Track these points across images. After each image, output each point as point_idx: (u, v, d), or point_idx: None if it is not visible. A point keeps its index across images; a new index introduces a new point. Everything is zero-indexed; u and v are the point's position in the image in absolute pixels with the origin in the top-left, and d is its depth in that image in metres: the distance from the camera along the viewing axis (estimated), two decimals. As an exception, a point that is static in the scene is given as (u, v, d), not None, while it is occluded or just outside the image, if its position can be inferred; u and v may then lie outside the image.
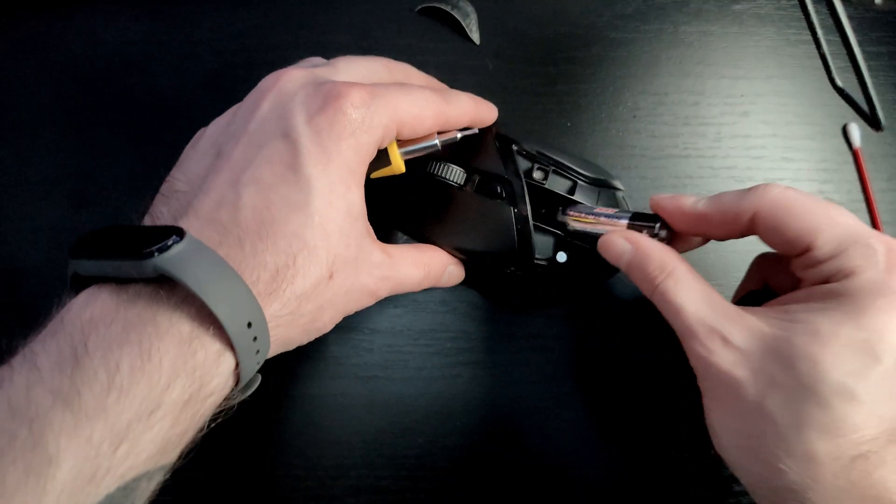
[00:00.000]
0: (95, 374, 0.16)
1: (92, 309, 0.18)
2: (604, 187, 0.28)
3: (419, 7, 0.35)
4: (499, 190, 0.26)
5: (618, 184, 0.28)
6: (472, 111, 0.26)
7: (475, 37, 0.34)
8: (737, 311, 0.21)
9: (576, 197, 0.27)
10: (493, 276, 0.30)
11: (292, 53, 0.27)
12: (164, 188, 0.23)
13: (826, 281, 0.20)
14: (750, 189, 0.22)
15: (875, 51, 0.34)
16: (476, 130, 0.27)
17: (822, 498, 0.19)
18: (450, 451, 0.29)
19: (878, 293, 0.19)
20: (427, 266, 0.26)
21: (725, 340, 0.20)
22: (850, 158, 0.33)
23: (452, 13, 0.34)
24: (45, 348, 0.17)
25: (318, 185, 0.21)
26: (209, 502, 0.29)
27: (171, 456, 0.18)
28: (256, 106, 0.22)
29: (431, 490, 0.29)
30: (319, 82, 0.22)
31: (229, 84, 0.34)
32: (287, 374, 0.30)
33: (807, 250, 0.21)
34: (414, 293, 0.31)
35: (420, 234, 0.27)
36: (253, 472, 0.29)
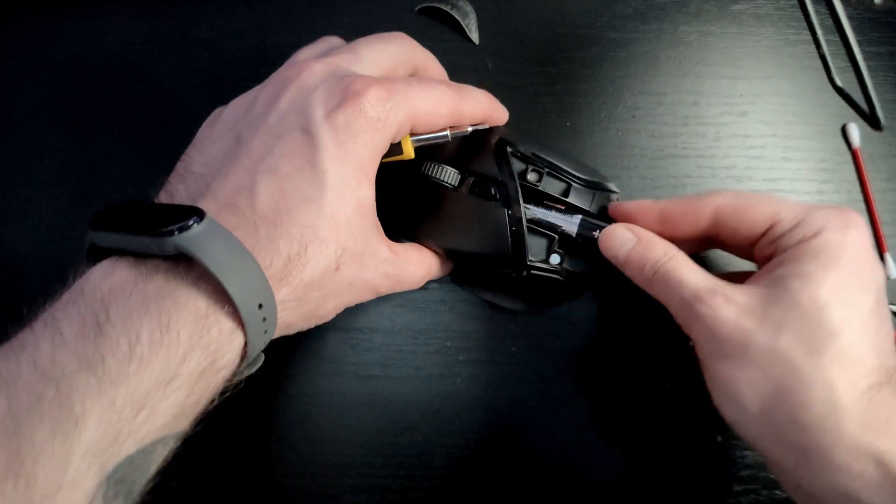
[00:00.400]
0: (118, 342, 0.17)
1: (111, 280, 0.18)
2: (598, 190, 0.28)
3: (419, 7, 0.35)
4: (493, 191, 0.26)
5: (612, 186, 0.28)
6: (485, 109, 0.27)
7: (475, 37, 0.34)
8: (730, 282, 0.23)
9: (570, 199, 0.27)
10: (488, 277, 0.30)
11: (292, 53, 0.27)
12: (179, 167, 0.23)
13: (796, 244, 0.22)
14: (709, 191, 0.25)
15: (874, 51, 0.34)
16: (486, 127, 0.27)
17: (850, 430, 0.19)
18: (449, 449, 0.29)
19: (845, 244, 0.21)
20: (429, 265, 0.27)
21: (728, 299, 0.22)
22: (849, 158, 0.33)
23: (452, 13, 0.34)
24: (67, 315, 0.17)
25: (333, 180, 0.22)
26: (209, 501, 0.29)
27: (184, 423, 0.19)
28: (277, 97, 0.23)
29: (430, 489, 0.29)
30: (340, 76, 0.23)
31: (229, 84, 0.34)
32: (286, 372, 0.30)
33: (771, 227, 0.23)
34: (412, 292, 0.31)
35: (413, 235, 0.27)
36: (252, 470, 0.29)
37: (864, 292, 0.21)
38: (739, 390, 0.21)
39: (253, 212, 0.21)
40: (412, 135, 0.25)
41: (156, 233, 0.18)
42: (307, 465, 0.29)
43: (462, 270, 0.30)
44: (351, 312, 0.31)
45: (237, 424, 0.29)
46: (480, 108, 0.26)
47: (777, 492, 0.28)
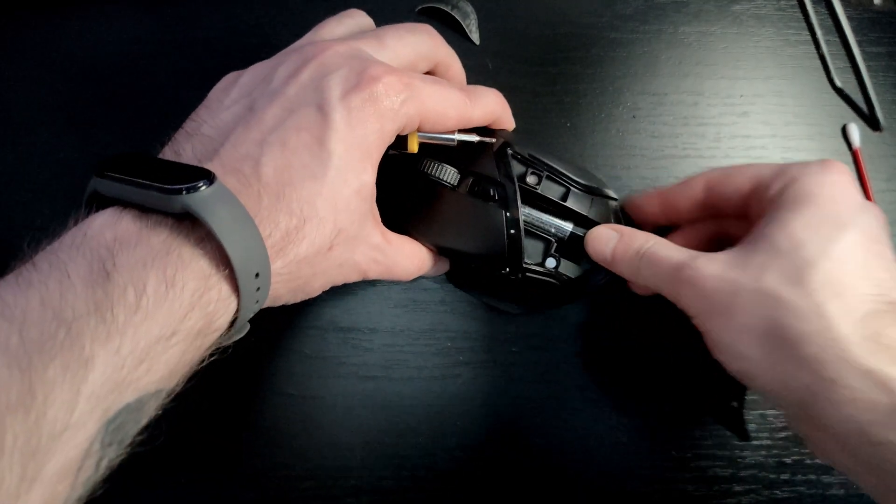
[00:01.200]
0: (125, 291, 0.17)
1: (115, 230, 0.18)
2: (597, 195, 0.28)
3: (419, 7, 0.35)
4: (491, 192, 0.26)
5: (611, 192, 0.28)
6: (494, 114, 0.27)
7: (475, 37, 0.34)
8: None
9: (568, 204, 0.27)
10: (484, 278, 0.30)
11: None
12: (189, 126, 0.23)
13: (774, 197, 0.23)
14: (700, 173, 0.27)
15: (874, 51, 0.34)
16: (493, 140, 0.27)
17: (849, 356, 0.19)
18: (450, 450, 0.29)
19: (821, 185, 0.22)
20: (422, 260, 0.27)
21: (710, 258, 0.23)
22: (849, 159, 0.33)
23: (452, 13, 0.34)
24: (72, 259, 0.17)
25: (338, 161, 0.22)
26: (210, 502, 0.29)
27: (175, 380, 0.19)
28: (298, 71, 0.23)
29: (432, 490, 0.29)
30: (362, 59, 0.23)
31: (229, 84, 0.34)
32: (287, 373, 0.30)
33: (755, 188, 0.24)
34: (413, 292, 0.31)
35: (410, 233, 0.27)
36: (253, 472, 0.29)
37: (842, 227, 0.21)
38: (737, 338, 0.21)
39: (258, 180, 0.21)
40: (420, 131, 0.25)
41: (164, 189, 0.18)
42: (308, 467, 0.29)
43: (458, 271, 0.30)
44: (351, 313, 0.31)
45: (237, 425, 0.29)
46: (490, 113, 0.27)
47: (777, 492, 0.28)
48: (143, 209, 0.19)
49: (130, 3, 0.35)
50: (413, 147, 0.26)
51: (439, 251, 0.28)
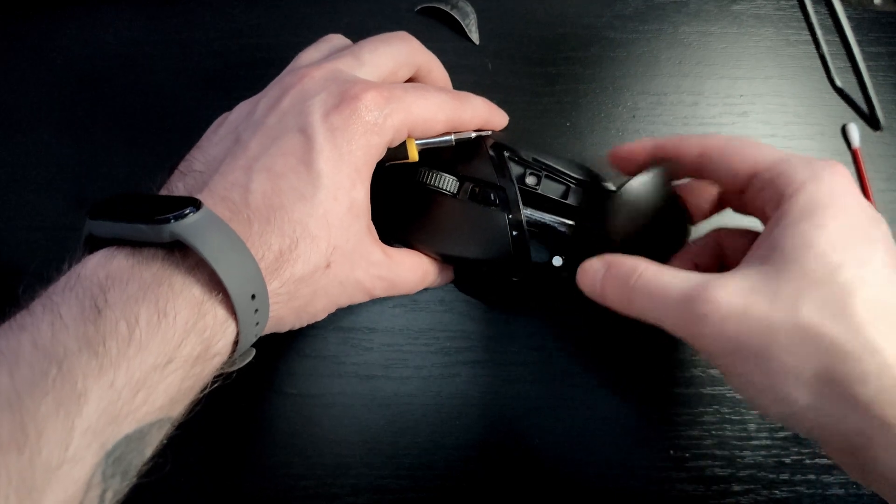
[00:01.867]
0: (117, 325, 0.17)
1: (108, 268, 0.18)
2: (597, 189, 0.28)
3: (419, 7, 0.35)
4: (492, 197, 0.26)
5: (612, 186, 0.29)
6: (484, 116, 0.27)
7: (475, 37, 0.34)
8: (715, 273, 0.21)
9: (569, 201, 0.27)
10: (492, 281, 0.30)
11: (292, 54, 0.27)
12: (182, 166, 0.24)
13: (780, 201, 0.21)
14: (704, 134, 0.25)
15: (874, 51, 0.34)
16: (490, 133, 0.27)
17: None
18: (449, 450, 0.29)
19: (833, 195, 0.20)
20: (425, 272, 0.27)
21: (725, 286, 0.20)
22: (849, 158, 0.33)
23: (452, 13, 0.34)
24: (65, 300, 0.18)
25: (327, 180, 0.22)
26: (211, 502, 0.29)
27: (178, 408, 0.19)
28: (278, 100, 0.24)
29: (431, 489, 0.29)
30: (340, 80, 0.23)
31: (229, 84, 0.34)
32: (286, 373, 0.30)
33: (752, 179, 0.22)
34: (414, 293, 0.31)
35: (413, 244, 0.27)
36: (253, 471, 0.29)
37: (870, 242, 0.19)
38: (778, 382, 0.19)
39: (247, 206, 0.21)
40: (417, 139, 0.25)
41: (152, 220, 0.18)
42: (308, 466, 0.29)
43: (464, 277, 0.30)
44: (351, 313, 0.31)
45: (237, 425, 0.29)
46: (479, 114, 0.27)
47: (776, 492, 0.28)
48: (136, 245, 0.19)
49: (130, 3, 0.35)
50: (413, 155, 0.26)
51: (444, 260, 0.28)
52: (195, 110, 0.33)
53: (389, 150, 0.25)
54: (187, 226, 0.18)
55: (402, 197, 0.28)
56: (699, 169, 0.25)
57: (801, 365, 0.18)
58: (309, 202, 0.22)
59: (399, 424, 0.29)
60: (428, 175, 0.27)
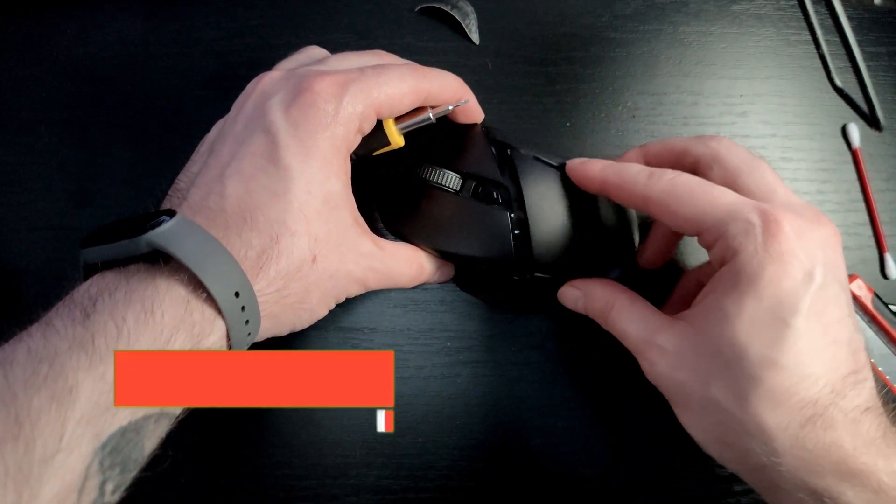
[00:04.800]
0: (105, 325, 0.18)
1: (98, 285, 0.19)
2: None
3: (419, 7, 0.35)
4: (494, 195, 0.26)
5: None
6: (454, 86, 0.27)
7: (475, 37, 0.34)
8: (668, 321, 0.23)
9: None
10: (494, 281, 0.30)
11: (291, 54, 0.27)
12: (170, 189, 0.25)
13: (723, 263, 0.21)
14: (651, 173, 0.23)
15: (874, 51, 0.34)
16: (468, 101, 0.27)
17: (790, 470, 0.20)
18: (450, 450, 0.29)
19: (763, 264, 0.20)
20: (421, 265, 0.27)
21: (662, 350, 0.22)
22: (849, 158, 0.33)
23: (452, 13, 0.34)
24: (58, 314, 0.19)
25: (297, 175, 0.22)
26: (211, 502, 0.29)
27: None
28: (242, 107, 0.24)
29: (432, 489, 0.29)
30: (297, 76, 0.24)
31: (229, 84, 0.34)
32: (287, 373, 0.30)
33: (698, 234, 0.22)
34: (413, 292, 0.31)
35: (414, 240, 0.27)
36: (253, 471, 0.29)
37: (783, 321, 0.20)
38: (694, 433, 0.22)
39: (223, 212, 0.22)
40: (396, 122, 0.25)
41: (131, 234, 0.19)
42: (308, 466, 0.29)
43: (465, 275, 0.30)
44: (352, 313, 0.31)
45: (238, 425, 0.29)
46: (448, 84, 0.26)
47: (777, 491, 0.28)
48: (124, 263, 0.20)
49: (130, 3, 0.35)
50: (396, 140, 0.25)
51: (444, 257, 0.28)
52: (195, 110, 0.33)
53: (366, 138, 0.25)
54: (162, 233, 0.19)
55: (404, 193, 0.28)
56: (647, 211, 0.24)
57: (709, 427, 0.22)
58: (282, 199, 0.22)
59: (400, 424, 0.29)
60: (430, 171, 0.27)
